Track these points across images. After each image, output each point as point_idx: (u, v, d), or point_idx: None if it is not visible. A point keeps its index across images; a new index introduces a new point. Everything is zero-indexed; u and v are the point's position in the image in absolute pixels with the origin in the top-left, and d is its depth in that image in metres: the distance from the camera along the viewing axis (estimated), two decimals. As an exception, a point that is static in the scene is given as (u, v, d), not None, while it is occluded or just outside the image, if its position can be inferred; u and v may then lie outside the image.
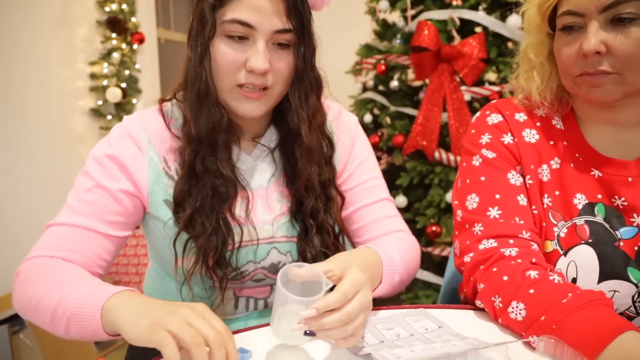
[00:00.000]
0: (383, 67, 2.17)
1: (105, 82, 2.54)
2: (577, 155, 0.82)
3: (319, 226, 0.87)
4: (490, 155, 0.84)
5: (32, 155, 2.21)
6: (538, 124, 0.85)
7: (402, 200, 2.08)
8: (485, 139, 0.85)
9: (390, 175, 2.17)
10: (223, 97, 0.80)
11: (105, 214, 0.79)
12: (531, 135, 0.84)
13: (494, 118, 0.87)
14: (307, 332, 0.59)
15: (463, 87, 1.98)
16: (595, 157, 0.81)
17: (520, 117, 0.86)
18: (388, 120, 2.20)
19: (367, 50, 2.33)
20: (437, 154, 1.99)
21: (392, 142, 2.09)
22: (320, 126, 0.88)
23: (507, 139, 0.84)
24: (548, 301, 0.68)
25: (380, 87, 2.30)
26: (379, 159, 2.24)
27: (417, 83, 2.18)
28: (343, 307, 0.59)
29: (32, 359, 1.92)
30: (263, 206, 0.87)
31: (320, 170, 0.87)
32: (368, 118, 2.28)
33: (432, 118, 1.97)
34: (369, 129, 2.31)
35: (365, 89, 2.42)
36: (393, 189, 2.15)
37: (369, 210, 0.93)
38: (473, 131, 0.88)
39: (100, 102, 2.55)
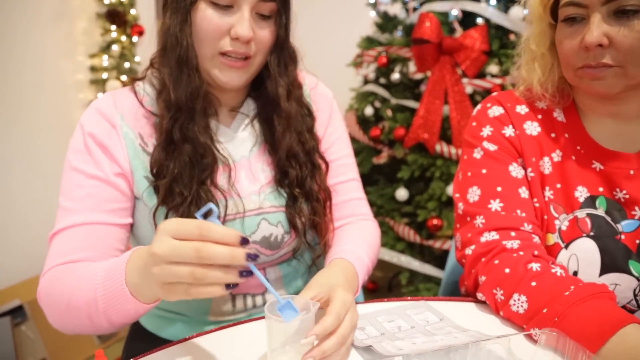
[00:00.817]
0: (384, 60, 2.16)
1: (105, 75, 2.53)
2: (578, 148, 0.82)
3: (307, 194, 0.86)
4: (492, 147, 0.84)
5: (32, 148, 2.20)
6: (539, 116, 0.85)
7: (403, 193, 2.07)
8: (487, 131, 0.85)
9: (391, 168, 2.16)
10: (204, 65, 0.78)
11: (102, 203, 0.76)
12: (532, 128, 0.84)
13: (495, 110, 0.86)
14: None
15: (465, 80, 1.96)
16: (597, 150, 0.80)
17: (522, 109, 0.86)
18: (389, 113, 2.19)
19: (368, 42, 2.31)
20: (438, 147, 1.98)
21: (393, 135, 2.08)
22: (298, 97, 0.88)
23: (509, 131, 0.84)
24: (550, 294, 0.67)
25: (382, 80, 2.29)
26: (380, 152, 2.24)
27: (419, 76, 2.16)
28: (337, 329, 0.61)
29: (34, 351, 1.93)
30: (247, 177, 0.85)
31: (303, 138, 0.87)
32: (369, 111, 2.27)
33: (433, 111, 1.96)
34: (370, 122, 2.30)
35: (366, 81, 2.41)
36: (394, 182, 2.15)
37: (339, 189, 0.94)
38: (474, 124, 0.88)
39: (100, 95, 2.55)
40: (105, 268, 0.65)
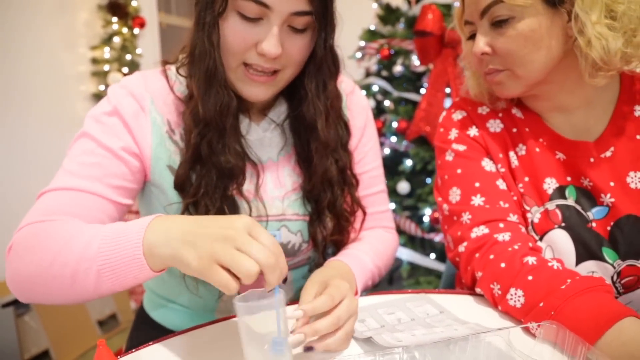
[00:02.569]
0: (386, 52, 2.15)
1: (106, 67, 2.53)
2: (540, 140, 0.85)
3: (336, 214, 0.84)
4: (461, 148, 0.87)
5: (34, 141, 2.21)
6: (500, 114, 0.89)
7: (404, 186, 2.08)
8: (453, 134, 0.89)
9: (393, 161, 2.16)
10: (229, 76, 0.74)
11: (108, 177, 0.71)
12: (496, 125, 0.88)
13: (458, 115, 0.91)
14: (307, 347, 0.59)
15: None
16: (558, 140, 0.83)
17: (483, 110, 0.90)
18: (391, 105, 2.19)
19: (371, 34, 2.31)
20: (439, 141, 1.98)
21: (395, 127, 2.08)
22: (338, 111, 0.83)
23: (473, 131, 0.88)
24: (547, 287, 0.68)
25: (384, 73, 2.29)
26: (381, 144, 2.24)
27: (421, 68, 2.16)
28: (332, 311, 0.60)
29: (37, 341, 1.95)
30: (273, 181, 0.82)
31: (337, 155, 0.82)
32: (371, 104, 2.26)
33: (435, 104, 1.96)
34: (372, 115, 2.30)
35: (368, 74, 2.40)
36: (396, 175, 2.15)
37: (366, 202, 0.91)
38: (441, 130, 0.92)
39: (102, 87, 2.55)
40: (115, 225, 0.60)
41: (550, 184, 0.82)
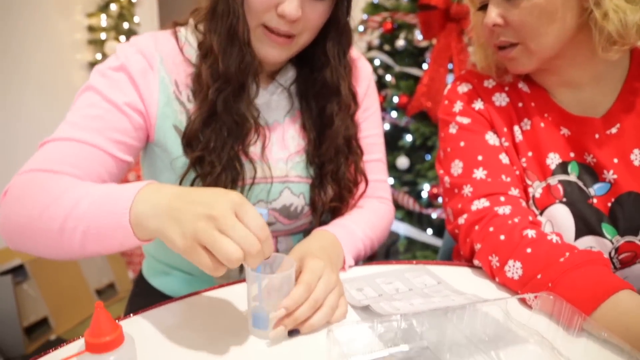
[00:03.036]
0: (389, 26, 2.11)
1: (103, 35, 2.48)
2: (545, 115, 0.84)
3: (338, 182, 0.85)
4: (465, 120, 0.87)
5: (30, 109, 2.18)
6: (506, 88, 0.88)
7: (404, 161, 2.07)
8: (458, 107, 0.88)
9: (393, 137, 2.15)
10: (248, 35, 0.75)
11: (111, 131, 0.72)
12: (501, 99, 0.87)
13: (464, 87, 0.90)
14: (291, 332, 0.59)
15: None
16: (563, 116, 0.83)
17: (489, 83, 0.89)
18: (393, 80, 2.16)
19: (373, 8, 2.26)
20: (440, 116, 1.97)
21: (396, 102, 2.06)
22: (351, 82, 0.85)
23: (478, 105, 0.87)
24: (545, 260, 0.68)
25: (386, 47, 2.25)
26: (382, 119, 2.22)
27: (424, 43, 2.13)
28: (310, 296, 0.60)
29: (35, 309, 1.97)
30: (278, 143, 0.83)
31: (347, 124, 0.85)
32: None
33: (437, 79, 1.94)
34: (373, 89, 2.27)
35: (370, 48, 2.37)
36: (395, 150, 2.14)
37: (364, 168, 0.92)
38: (446, 102, 0.91)
39: (99, 56, 2.51)
40: (106, 187, 0.60)
41: (553, 160, 0.82)
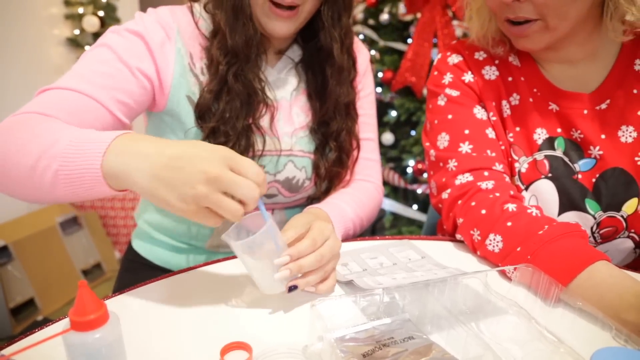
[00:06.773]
0: (373, 0, 2.08)
1: (81, 10, 2.40)
2: (535, 90, 0.84)
3: (339, 145, 0.89)
4: (454, 93, 0.86)
5: (4, 87, 2.12)
6: (497, 61, 0.87)
7: (389, 137, 2.08)
8: (448, 78, 0.88)
9: (378, 112, 2.15)
10: (255, 11, 0.79)
11: (117, 91, 0.72)
12: (491, 72, 0.87)
13: (454, 58, 0.89)
14: (291, 287, 0.60)
15: (455, 22, 1.92)
16: (552, 91, 0.83)
17: (480, 55, 0.88)
18: (377, 55, 2.14)
19: (357, -20, 2.22)
20: (425, 91, 1.97)
21: (380, 78, 2.05)
22: (349, 47, 0.88)
23: (468, 77, 0.87)
24: (524, 233, 0.70)
25: (370, 21, 2.22)
26: (366, 96, 2.21)
27: (408, 17, 2.10)
28: (316, 250, 0.61)
29: (21, 290, 1.96)
30: (284, 117, 0.87)
31: (347, 91, 0.88)
32: (356, 53, 2.22)
33: (422, 54, 1.93)
34: (357, 65, 2.26)
35: (354, 22, 2.34)
36: (380, 126, 2.14)
37: None
38: (435, 73, 0.91)
39: (77, 32, 2.43)
40: (89, 132, 0.59)
41: (540, 135, 0.83)
